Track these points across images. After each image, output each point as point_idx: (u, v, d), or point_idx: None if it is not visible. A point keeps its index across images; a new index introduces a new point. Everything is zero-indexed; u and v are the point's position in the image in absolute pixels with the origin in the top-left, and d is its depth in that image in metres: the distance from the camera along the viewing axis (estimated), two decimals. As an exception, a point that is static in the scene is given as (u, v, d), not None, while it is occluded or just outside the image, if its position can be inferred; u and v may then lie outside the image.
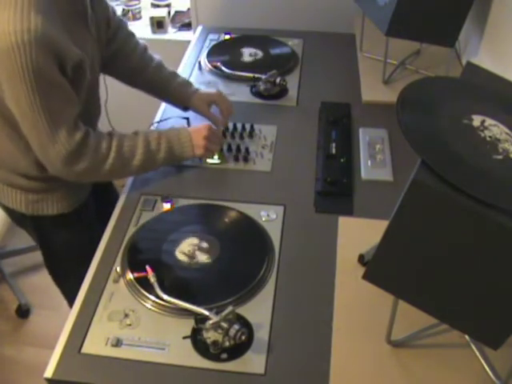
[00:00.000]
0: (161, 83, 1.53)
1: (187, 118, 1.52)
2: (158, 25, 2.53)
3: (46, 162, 1.24)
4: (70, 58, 1.16)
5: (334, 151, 1.45)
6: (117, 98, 1.81)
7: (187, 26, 2.54)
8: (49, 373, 0.97)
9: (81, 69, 1.22)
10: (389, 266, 0.84)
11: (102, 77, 1.46)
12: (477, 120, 0.81)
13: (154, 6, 2.69)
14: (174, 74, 1.56)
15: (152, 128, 1.55)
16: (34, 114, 1.14)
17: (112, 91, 1.58)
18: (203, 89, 1.60)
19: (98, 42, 1.35)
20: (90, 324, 1.04)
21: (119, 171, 1.30)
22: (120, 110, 1.86)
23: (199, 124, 1.40)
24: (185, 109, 1.56)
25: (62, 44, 1.14)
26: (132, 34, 1.53)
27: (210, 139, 1.37)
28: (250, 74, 1.72)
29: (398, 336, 1.00)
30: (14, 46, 1.06)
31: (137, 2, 2.65)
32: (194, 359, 0.99)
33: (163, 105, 1.65)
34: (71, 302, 1.68)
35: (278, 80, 1.67)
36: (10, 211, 1.47)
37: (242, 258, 1.17)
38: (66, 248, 1.53)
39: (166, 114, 1.60)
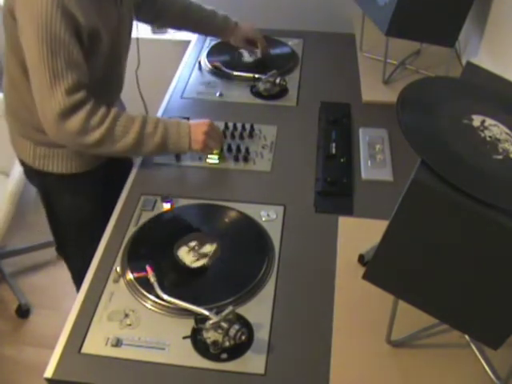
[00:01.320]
0: (205, 22, 1.77)
1: (187, 118, 1.52)
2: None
3: (41, 116, 1.26)
4: (85, 26, 1.22)
5: (334, 151, 1.45)
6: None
7: (187, 26, 2.53)
8: (49, 373, 0.97)
9: (97, 39, 1.28)
10: (389, 265, 0.84)
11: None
12: (477, 120, 0.81)
13: (154, 6, 2.69)
14: (214, 12, 1.77)
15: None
16: (40, 65, 1.19)
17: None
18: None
19: (128, 19, 1.40)
20: (89, 324, 1.04)
21: (109, 144, 1.29)
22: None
23: (200, 119, 1.40)
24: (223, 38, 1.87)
25: (82, 10, 1.19)
26: None
27: (210, 135, 1.36)
28: (250, 74, 1.72)
29: (398, 336, 1.00)
30: None
31: (137, 2, 2.64)
32: (193, 359, 0.99)
33: (163, 104, 1.66)
34: (74, 274, 1.69)
35: (278, 80, 1.67)
36: (23, 164, 1.52)
37: (241, 258, 1.17)
38: (67, 211, 1.55)
39: (166, 114, 1.60)
